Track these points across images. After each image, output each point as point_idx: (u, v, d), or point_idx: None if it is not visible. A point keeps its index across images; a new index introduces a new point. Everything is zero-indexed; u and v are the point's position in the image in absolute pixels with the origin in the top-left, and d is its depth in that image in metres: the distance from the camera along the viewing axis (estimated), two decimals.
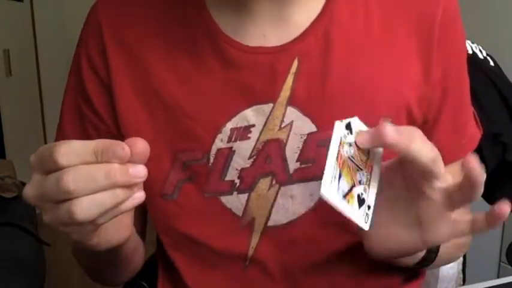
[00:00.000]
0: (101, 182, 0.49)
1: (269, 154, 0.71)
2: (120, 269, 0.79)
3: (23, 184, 1.85)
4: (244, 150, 0.71)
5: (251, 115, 0.70)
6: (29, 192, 0.53)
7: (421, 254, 0.69)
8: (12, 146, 2.90)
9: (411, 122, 0.73)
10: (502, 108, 1.29)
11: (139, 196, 0.52)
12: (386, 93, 0.71)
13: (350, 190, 0.56)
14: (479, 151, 0.82)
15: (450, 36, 0.73)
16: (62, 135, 0.79)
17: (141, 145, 0.51)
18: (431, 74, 0.72)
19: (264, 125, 0.71)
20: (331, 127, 0.71)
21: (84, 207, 0.49)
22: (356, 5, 0.71)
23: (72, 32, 0.78)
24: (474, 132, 0.81)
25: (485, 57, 1.31)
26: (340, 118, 0.71)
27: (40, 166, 0.52)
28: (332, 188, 0.54)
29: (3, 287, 1.07)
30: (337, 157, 0.55)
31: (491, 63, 1.31)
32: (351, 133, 0.57)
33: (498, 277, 2.03)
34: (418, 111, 0.73)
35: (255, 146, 0.71)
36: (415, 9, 0.72)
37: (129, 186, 0.51)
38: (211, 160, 0.71)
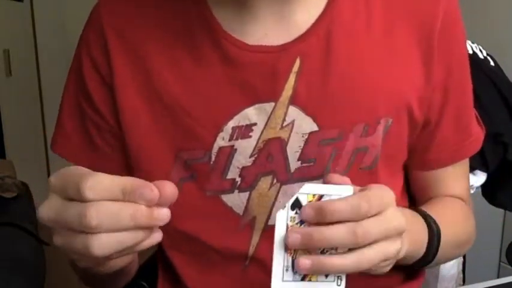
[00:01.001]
0: (124, 222, 0.49)
1: (270, 153, 0.71)
2: (119, 281, 0.79)
3: (23, 184, 1.85)
4: (245, 148, 0.71)
5: (253, 114, 0.70)
6: (46, 214, 0.51)
7: (418, 257, 0.70)
8: (12, 146, 2.89)
9: (412, 122, 0.73)
10: (502, 108, 1.29)
11: (157, 236, 0.52)
12: (387, 94, 0.71)
13: None
14: (481, 151, 0.82)
15: (451, 37, 0.73)
16: (62, 132, 0.79)
17: (169, 189, 0.50)
18: (433, 75, 0.72)
19: (266, 124, 0.71)
20: (332, 126, 0.71)
21: (102, 244, 0.48)
22: (357, 5, 0.71)
23: (72, 32, 0.78)
24: (477, 132, 0.81)
25: (485, 57, 1.31)
26: (341, 117, 0.71)
27: (62, 191, 0.51)
28: (286, 281, 0.54)
29: (3, 287, 1.07)
30: (286, 248, 0.54)
31: (491, 63, 1.31)
32: (300, 208, 0.54)
33: (498, 277, 2.03)
34: (419, 112, 0.73)
35: (256, 145, 0.71)
36: (416, 10, 0.72)
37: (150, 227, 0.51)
38: (213, 158, 0.71)
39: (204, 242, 0.75)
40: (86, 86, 0.76)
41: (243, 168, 0.71)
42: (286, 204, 0.53)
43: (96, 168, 0.77)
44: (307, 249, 0.53)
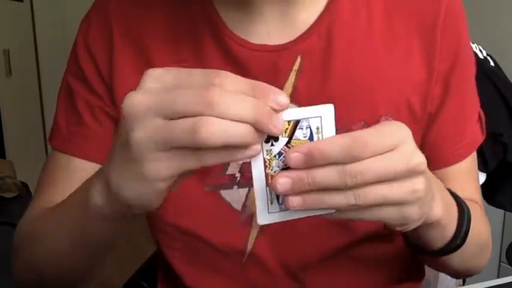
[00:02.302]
0: (246, 110, 0.44)
1: None
2: (97, 258, 0.71)
3: (23, 184, 1.85)
4: None
5: None
6: (140, 98, 0.46)
7: (449, 234, 0.65)
8: (12, 146, 2.90)
9: (413, 120, 0.73)
10: (502, 108, 1.29)
11: (256, 149, 0.46)
12: (387, 92, 0.71)
13: None
14: (480, 151, 0.81)
15: (454, 34, 0.73)
16: (55, 125, 0.79)
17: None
18: (433, 73, 0.72)
19: None
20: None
21: (211, 129, 0.43)
22: (358, 4, 0.72)
23: (72, 32, 0.78)
24: (475, 137, 0.79)
25: (485, 57, 1.32)
26: (341, 115, 0.70)
27: (176, 85, 0.46)
28: (271, 212, 0.50)
29: (4, 287, 1.07)
30: (266, 182, 0.49)
31: (491, 63, 1.32)
32: (275, 140, 0.49)
33: (498, 277, 2.03)
34: (420, 110, 0.73)
35: None
36: (417, 9, 0.72)
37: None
38: None
39: (201, 238, 0.75)
40: (83, 72, 0.75)
41: (243, 164, 0.72)
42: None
43: (92, 158, 0.77)
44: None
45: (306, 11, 0.71)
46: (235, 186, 0.72)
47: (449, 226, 0.64)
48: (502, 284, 0.80)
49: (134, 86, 0.73)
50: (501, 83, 1.30)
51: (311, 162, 0.47)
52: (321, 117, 0.48)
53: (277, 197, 0.50)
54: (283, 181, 0.48)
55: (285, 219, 0.51)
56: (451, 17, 0.73)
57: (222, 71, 0.45)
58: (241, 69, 0.70)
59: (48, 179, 0.77)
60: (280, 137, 0.48)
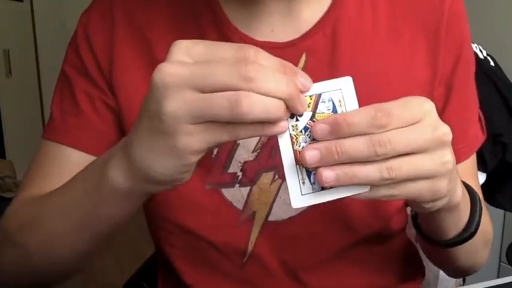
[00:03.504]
0: (281, 86, 0.45)
1: (273, 148, 0.71)
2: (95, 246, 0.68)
3: None
4: (248, 143, 0.71)
5: None
6: (173, 69, 0.45)
7: (464, 221, 0.65)
8: (12, 146, 2.90)
9: None
10: (502, 108, 1.29)
11: (284, 125, 0.47)
12: (393, 91, 0.71)
13: None
14: (480, 151, 0.82)
15: (457, 34, 0.73)
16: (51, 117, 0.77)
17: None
18: (437, 74, 0.73)
19: None
20: None
21: (254, 104, 0.44)
22: (363, 3, 0.72)
23: (72, 32, 0.78)
24: (476, 137, 0.79)
25: (485, 57, 1.32)
26: None
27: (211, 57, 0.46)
28: (305, 194, 0.50)
29: (4, 287, 1.07)
30: (296, 159, 0.49)
31: (491, 63, 1.32)
32: (300, 115, 0.49)
33: (498, 277, 2.03)
34: None
35: (259, 139, 0.71)
36: (422, 8, 0.72)
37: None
38: (215, 152, 0.71)
39: (202, 236, 0.75)
40: (83, 63, 0.75)
41: (245, 163, 0.72)
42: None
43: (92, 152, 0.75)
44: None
45: (311, 8, 0.71)
46: (237, 185, 0.72)
47: (465, 212, 0.65)
48: (502, 284, 0.80)
49: (136, 76, 0.73)
50: (501, 83, 1.30)
51: (337, 133, 0.47)
52: (341, 89, 0.49)
53: (309, 177, 0.49)
54: (312, 153, 0.47)
55: (319, 202, 0.50)
56: (454, 17, 0.73)
57: (253, 46, 0.46)
58: None
59: (41, 170, 0.75)
60: (304, 112, 0.49)
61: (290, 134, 0.49)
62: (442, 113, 0.75)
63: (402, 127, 0.48)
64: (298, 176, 0.49)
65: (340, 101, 0.49)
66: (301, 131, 0.49)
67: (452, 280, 1.24)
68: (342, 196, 0.50)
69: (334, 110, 0.49)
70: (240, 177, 0.72)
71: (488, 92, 1.27)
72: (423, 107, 0.50)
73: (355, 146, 0.47)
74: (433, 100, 0.73)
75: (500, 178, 1.31)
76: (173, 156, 0.48)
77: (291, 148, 0.49)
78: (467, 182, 0.76)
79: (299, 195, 0.49)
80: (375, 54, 0.71)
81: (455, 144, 0.77)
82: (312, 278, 0.76)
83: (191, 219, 0.74)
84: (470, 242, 0.66)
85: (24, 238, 0.68)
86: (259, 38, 0.71)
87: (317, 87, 0.49)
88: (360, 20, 0.72)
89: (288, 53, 0.70)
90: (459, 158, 0.77)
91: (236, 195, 0.73)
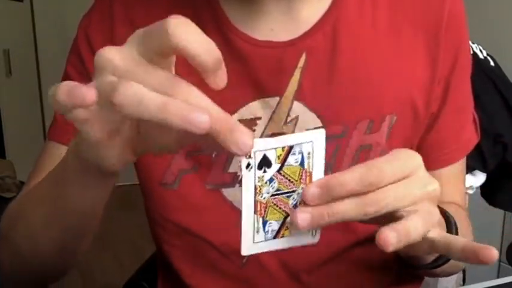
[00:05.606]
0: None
1: None
2: (81, 237, 0.68)
3: (23, 184, 1.85)
4: None
5: (258, 108, 0.70)
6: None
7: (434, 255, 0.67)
8: (12, 146, 2.90)
9: (416, 120, 0.73)
10: (502, 108, 1.29)
11: (205, 121, 0.43)
12: (392, 91, 0.71)
13: (283, 223, 0.51)
14: (480, 151, 0.81)
15: (457, 35, 0.73)
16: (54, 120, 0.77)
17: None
18: (437, 74, 0.73)
19: (270, 119, 0.71)
20: (336, 123, 0.71)
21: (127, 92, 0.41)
22: (364, 3, 0.72)
23: (72, 32, 0.78)
24: (470, 138, 0.79)
25: (485, 57, 1.32)
26: (345, 114, 0.71)
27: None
28: (256, 242, 0.50)
29: (4, 287, 1.07)
30: (255, 209, 0.49)
31: (491, 63, 1.32)
32: (268, 166, 0.48)
33: (498, 277, 2.03)
34: (423, 110, 0.73)
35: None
36: (422, 8, 0.72)
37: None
38: (215, 152, 0.71)
39: (202, 236, 0.75)
40: (84, 64, 0.75)
41: None
42: (252, 163, 0.47)
43: None
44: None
45: (311, 7, 0.71)
46: (237, 185, 0.72)
47: None
48: (502, 284, 0.80)
49: None
50: (501, 82, 1.30)
51: (329, 196, 0.48)
52: (313, 142, 0.48)
53: (264, 226, 0.50)
54: (303, 216, 0.48)
55: (268, 250, 0.51)
56: (454, 18, 0.73)
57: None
58: (246, 65, 0.70)
59: (43, 170, 0.75)
60: (273, 163, 0.48)
61: (255, 185, 0.48)
62: (439, 114, 0.75)
63: (393, 183, 0.48)
64: (254, 225, 0.50)
65: (309, 153, 0.49)
66: (266, 182, 0.48)
67: (452, 280, 1.24)
68: (291, 246, 0.51)
69: (302, 163, 0.49)
70: (240, 177, 0.72)
71: (488, 92, 1.27)
72: (414, 161, 0.50)
73: (345, 209, 0.48)
74: (430, 100, 0.74)
75: (500, 178, 1.32)
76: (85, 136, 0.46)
77: (253, 199, 0.49)
78: (453, 187, 0.78)
79: (251, 243, 0.50)
80: (375, 54, 0.72)
81: (448, 145, 0.78)
82: (311, 279, 0.76)
83: (191, 219, 0.74)
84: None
85: (12, 233, 0.69)
86: (259, 37, 0.71)
87: (290, 139, 0.48)
88: (360, 20, 0.72)
89: (287, 52, 0.70)
90: (449, 160, 0.77)
91: (236, 195, 0.73)
